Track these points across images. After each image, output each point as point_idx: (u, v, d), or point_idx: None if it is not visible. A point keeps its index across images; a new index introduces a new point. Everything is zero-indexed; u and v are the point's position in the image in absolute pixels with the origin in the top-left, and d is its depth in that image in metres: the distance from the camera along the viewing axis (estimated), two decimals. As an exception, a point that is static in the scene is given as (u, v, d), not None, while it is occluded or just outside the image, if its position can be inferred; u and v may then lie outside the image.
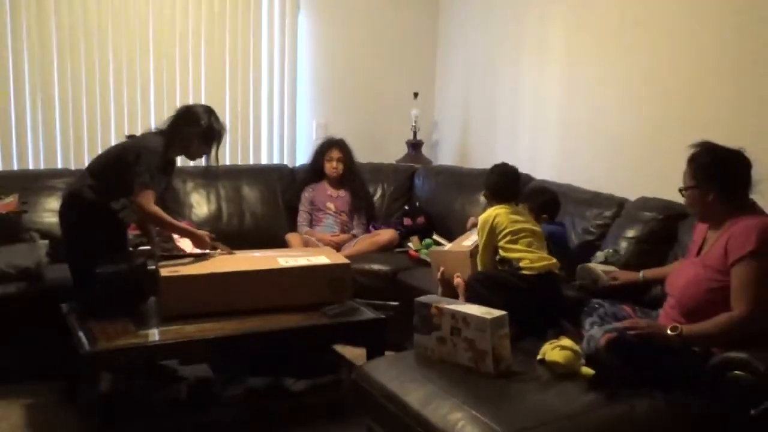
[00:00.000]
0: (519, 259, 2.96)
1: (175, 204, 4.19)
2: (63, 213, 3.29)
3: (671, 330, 2.31)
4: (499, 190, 3.15)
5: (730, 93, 3.32)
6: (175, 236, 3.59)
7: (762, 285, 2.26)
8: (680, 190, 2.56)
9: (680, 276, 2.54)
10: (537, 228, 3.08)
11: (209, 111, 3.36)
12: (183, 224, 3.49)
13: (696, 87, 3.48)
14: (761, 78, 3.18)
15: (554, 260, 2.98)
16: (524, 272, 2.94)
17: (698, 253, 2.54)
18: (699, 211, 2.55)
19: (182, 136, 3.30)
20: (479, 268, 3.11)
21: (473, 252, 3.19)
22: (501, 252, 3.02)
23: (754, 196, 2.47)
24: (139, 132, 4.04)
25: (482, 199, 4.12)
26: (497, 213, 3.04)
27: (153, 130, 3.36)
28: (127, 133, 3.57)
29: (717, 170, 2.44)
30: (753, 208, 2.45)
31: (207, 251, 3.29)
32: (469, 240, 3.33)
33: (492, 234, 3.03)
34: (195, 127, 3.29)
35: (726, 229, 2.41)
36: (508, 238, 2.99)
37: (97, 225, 3.16)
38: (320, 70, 5.12)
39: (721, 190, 2.42)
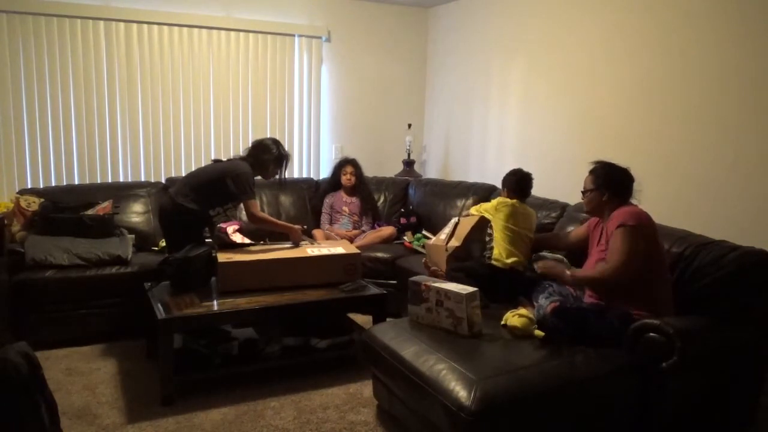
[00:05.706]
0: (495, 250, 2.94)
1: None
2: (167, 217, 3.21)
3: (569, 270, 2.49)
4: (515, 189, 3.08)
5: (647, 128, 3.31)
6: (229, 231, 3.57)
7: (624, 245, 2.36)
8: (582, 192, 2.67)
9: (589, 264, 2.61)
10: (529, 233, 2.99)
11: (276, 141, 3.35)
12: (282, 222, 3.48)
13: (623, 121, 3.46)
14: (669, 120, 3.17)
15: (522, 259, 2.92)
16: (493, 263, 2.93)
17: (597, 244, 2.64)
18: (593, 208, 2.65)
19: (260, 162, 3.28)
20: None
21: (446, 247, 3.18)
22: (495, 231, 2.99)
23: (634, 200, 2.59)
24: (206, 156, 3.98)
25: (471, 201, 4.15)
26: (515, 207, 2.98)
27: (239, 157, 3.30)
28: (212, 158, 3.53)
29: (611, 179, 2.57)
30: (629, 205, 2.56)
31: (299, 241, 3.29)
32: (443, 234, 3.32)
33: (505, 217, 2.96)
34: (269, 155, 3.29)
35: (609, 219, 2.53)
36: (506, 232, 2.95)
37: (188, 225, 3.15)
38: (338, 107, 5.10)
39: (612, 193, 2.55)
